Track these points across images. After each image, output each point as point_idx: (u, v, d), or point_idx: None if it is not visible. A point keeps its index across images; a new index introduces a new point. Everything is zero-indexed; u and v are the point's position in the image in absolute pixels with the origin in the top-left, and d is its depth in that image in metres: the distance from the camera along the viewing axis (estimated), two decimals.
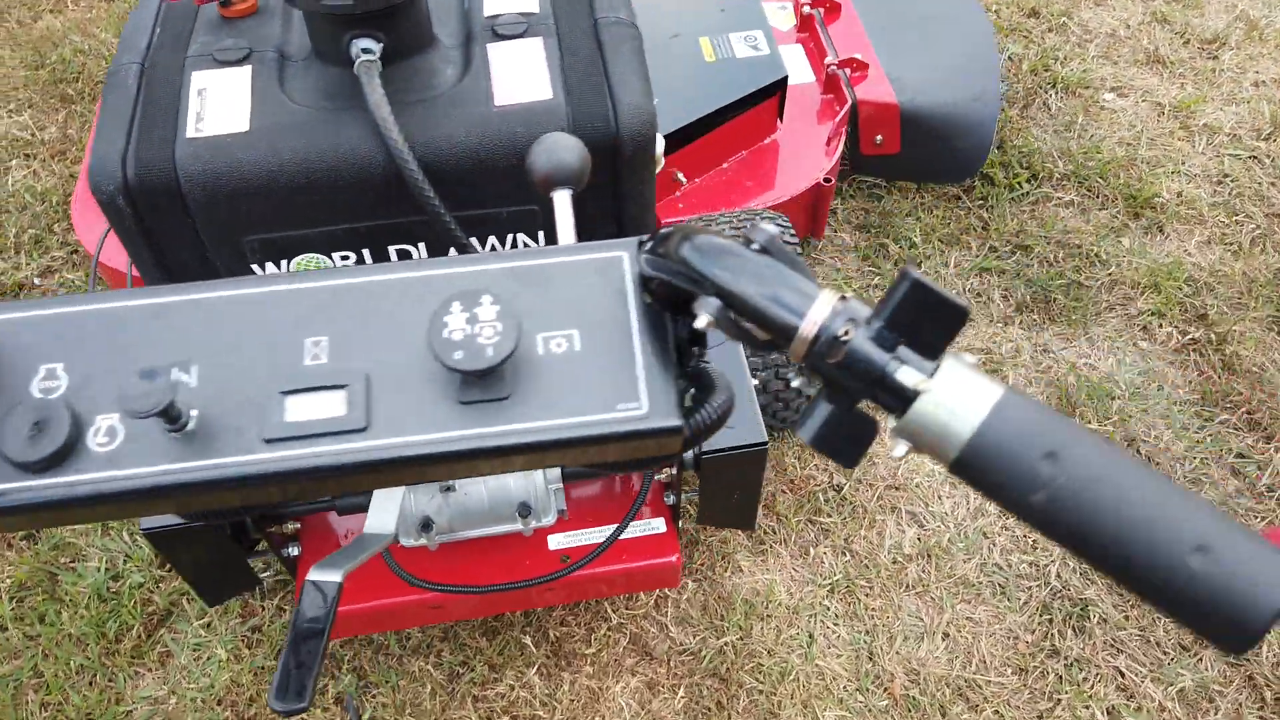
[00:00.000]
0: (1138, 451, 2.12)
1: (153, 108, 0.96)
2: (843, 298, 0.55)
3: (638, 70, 1.00)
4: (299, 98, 0.96)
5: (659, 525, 1.60)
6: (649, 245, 0.65)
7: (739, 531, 2.03)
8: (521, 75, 0.98)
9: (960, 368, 0.51)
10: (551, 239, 1.04)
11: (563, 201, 0.76)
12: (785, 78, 2.31)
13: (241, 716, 1.82)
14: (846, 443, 0.55)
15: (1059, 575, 1.96)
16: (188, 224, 0.96)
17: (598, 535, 1.57)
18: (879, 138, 2.46)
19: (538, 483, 1.46)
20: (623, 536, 1.62)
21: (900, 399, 0.51)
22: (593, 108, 0.95)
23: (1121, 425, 2.16)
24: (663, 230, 0.64)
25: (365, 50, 0.93)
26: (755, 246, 0.58)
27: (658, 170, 1.52)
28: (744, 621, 1.91)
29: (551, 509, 1.51)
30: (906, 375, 0.51)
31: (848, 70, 2.44)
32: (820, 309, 0.54)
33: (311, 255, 1.01)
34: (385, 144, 0.90)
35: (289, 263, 1.01)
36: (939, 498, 2.08)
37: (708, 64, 2.31)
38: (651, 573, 1.60)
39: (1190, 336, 2.32)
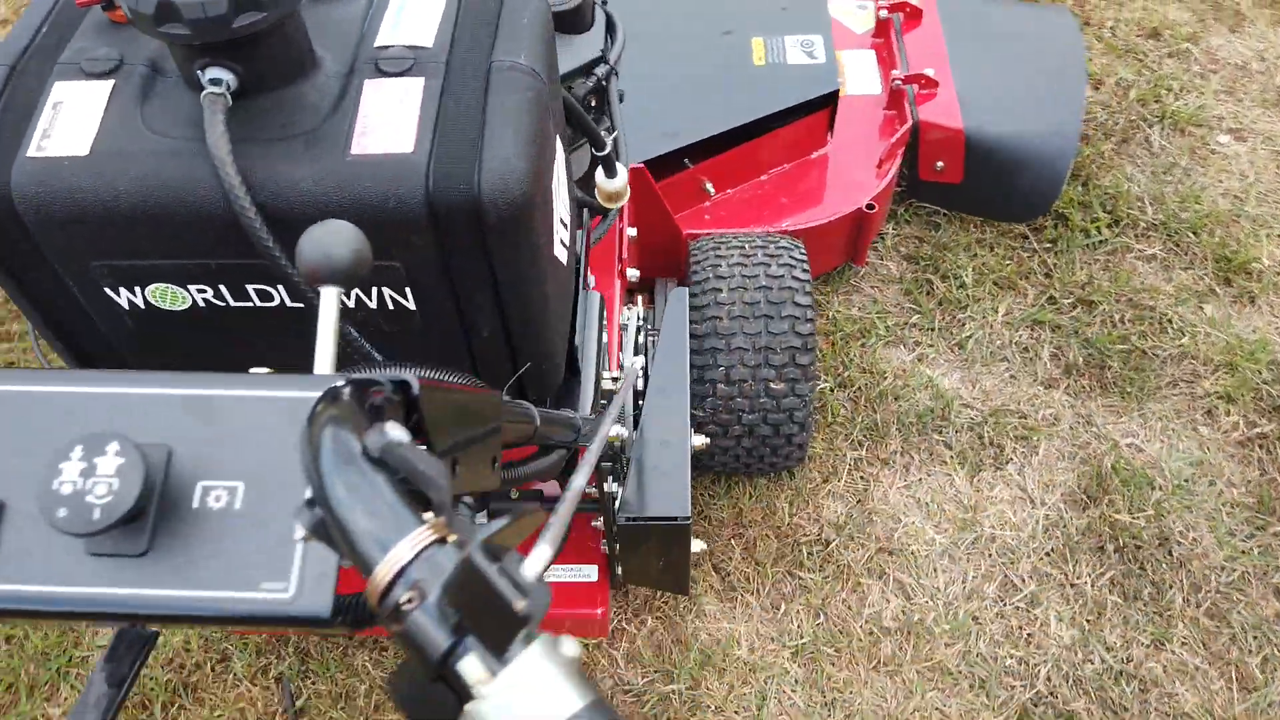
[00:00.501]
0: (1169, 554, 1.91)
1: (8, 118, 0.91)
2: (441, 540, 0.44)
3: (520, 126, 0.88)
4: (155, 123, 0.88)
5: (591, 573, 1.51)
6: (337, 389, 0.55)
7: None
8: (389, 120, 0.88)
9: (537, 669, 0.40)
10: (421, 295, 0.95)
11: (328, 301, 0.67)
12: (836, 92, 2.14)
13: None
14: (429, 709, 0.45)
15: (1048, 679, 1.78)
16: (33, 248, 0.91)
17: None
18: (940, 164, 2.26)
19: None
20: (554, 579, 1.55)
21: (458, 693, 0.41)
22: (455, 166, 0.85)
23: (1156, 520, 1.94)
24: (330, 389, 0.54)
25: (213, 81, 0.84)
26: (371, 453, 0.47)
27: (617, 205, 1.40)
28: (697, 670, 1.81)
29: None
30: (469, 667, 0.40)
31: (915, 86, 2.24)
32: (393, 558, 0.43)
33: (165, 285, 0.95)
34: (221, 186, 0.82)
35: (143, 290, 0.95)
36: (934, 570, 1.92)
37: (755, 68, 2.15)
38: (576, 621, 1.52)
39: (1259, 430, 2.06)
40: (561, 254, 1.06)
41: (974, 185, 2.27)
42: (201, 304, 0.96)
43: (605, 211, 1.42)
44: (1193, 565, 1.89)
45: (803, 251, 1.86)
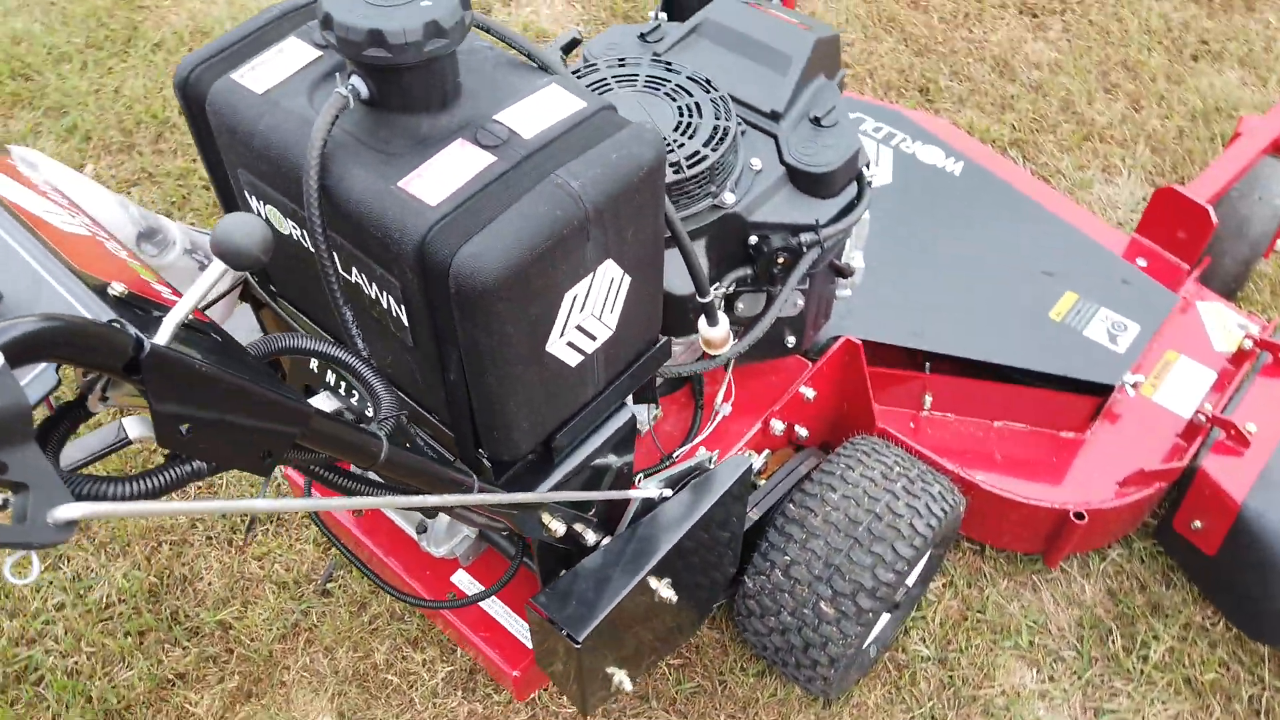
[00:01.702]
0: None
1: (247, 47, 1.17)
2: None
3: (525, 232, 0.97)
4: (313, 97, 1.10)
5: (525, 633, 1.56)
6: None
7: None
8: (443, 175, 1.01)
9: None
10: (412, 318, 1.07)
11: (212, 272, 0.82)
12: (1112, 387, 1.91)
13: None
14: None
15: None
16: (214, 142, 1.18)
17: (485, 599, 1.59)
18: (1197, 523, 1.92)
19: (443, 519, 1.52)
20: (504, 622, 1.62)
21: None
22: (451, 235, 0.95)
23: None
24: None
25: (351, 88, 1.03)
26: None
27: (717, 353, 1.42)
28: None
29: (445, 547, 1.56)
30: None
31: (1222, 432, 1.93)
32: None
33: (275, 210, 1.17)
34: (305, 147, 1.01)
35: (264, 206, 1.18)
36: None
37: (1048, 318, 2.00)
38: (492, 665, 1.58)
39: None
40: (564, 354, 1.13)
41: (1225, 568, 1.91)
42: (292, 236, 1.17)
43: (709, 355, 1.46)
44: None
45: (955, 506, 1.71)
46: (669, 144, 1.45)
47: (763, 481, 1.84)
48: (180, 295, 0.92)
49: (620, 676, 1.47)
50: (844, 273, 1.73)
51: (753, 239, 1.52)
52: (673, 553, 1.38)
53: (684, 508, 1.43)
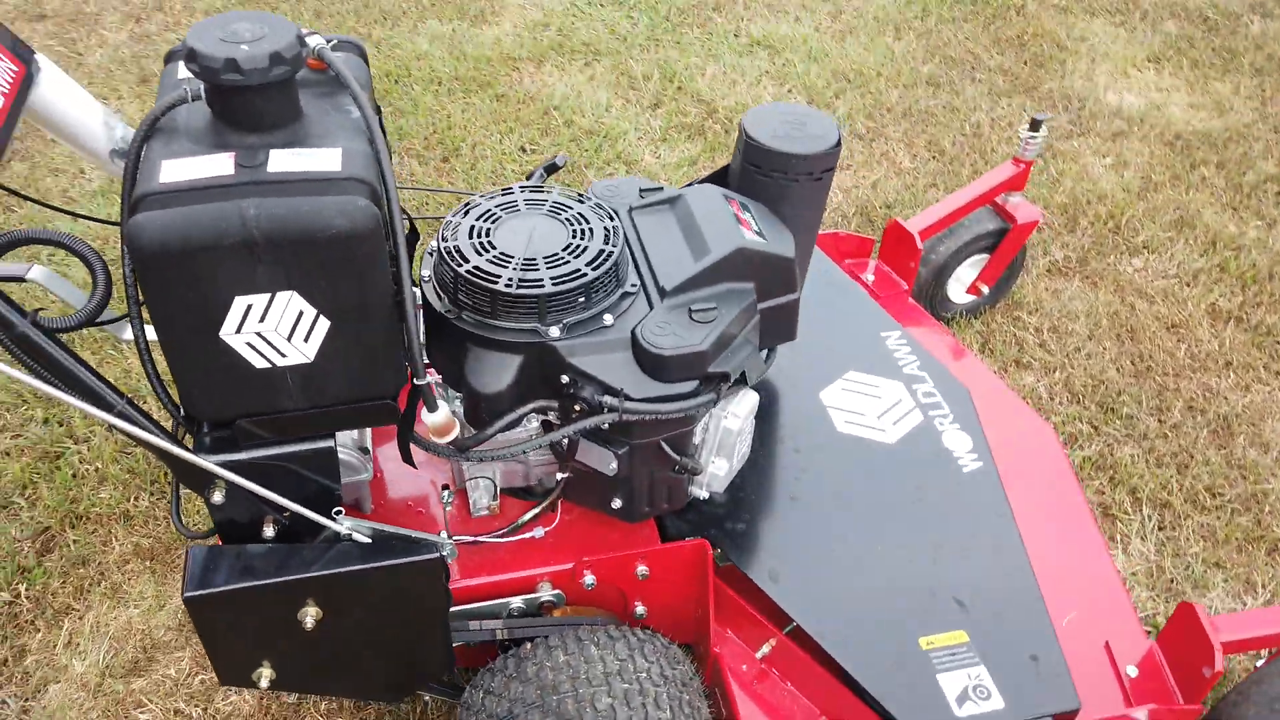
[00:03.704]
0: None
1: None
2: None
3: (184, 221, 1.21)
4: None
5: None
6: None
7: None
8: (191, 169, 1.27)
9: None
10: None
11: None
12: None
13: None
14: None
15: None
16: None
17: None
18: None
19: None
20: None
21: None
22: (146, 207, 1.22)
23: None
24: None
25: (194, 89, 1.35)
26: None
27: (442, 440, 1.52)
28: None
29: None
30: None
31: None
32: None
33: None
34: None
35: None
36: None
37: (915, 641, 1.78)
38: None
39: None
40: (246, 353, 1.34)
41: None
42: None
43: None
44: None
45: None
46: (570, 251, 1.61)
47: (555, 615, 1.85)
48: None
49: (264, 673, 1.60)
50: (683, 466, 1.72)
51: (564, 378, 1.60)
52: (326, 583, 1.51)
53: (360, 555, 1.54)
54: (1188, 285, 3.23)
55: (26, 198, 1.69)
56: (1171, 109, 4.14)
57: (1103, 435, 2.71)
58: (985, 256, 2.91)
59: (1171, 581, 2.35)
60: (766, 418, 2.14)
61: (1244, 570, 2.38)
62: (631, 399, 1.58)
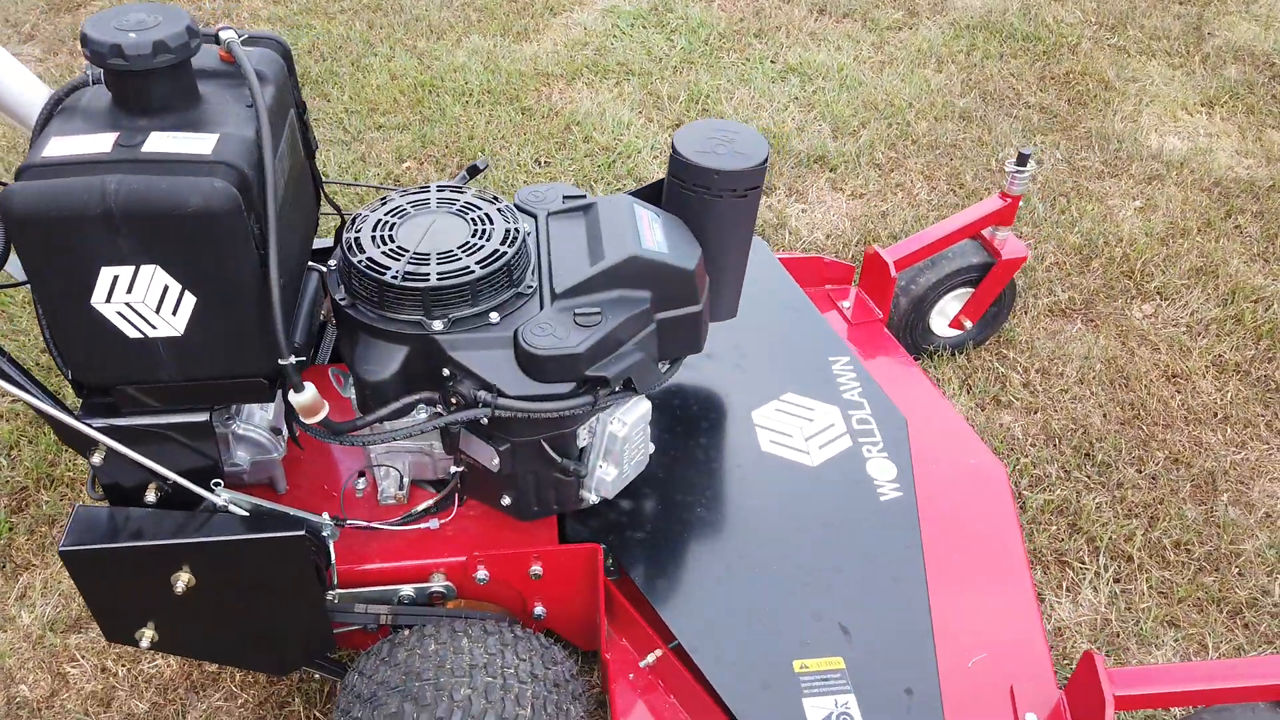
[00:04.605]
0: None
1: None
2: None
3: (50, 193, 1.30)
4: None
5: None
6: None
7: None
8: (74, 146, 1.36)
9: None
10: None
11: None
12: None
13: None
14: None
15: None
16: None
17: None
18: None
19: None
20: None
21: None
22: (23, 177, 1.31)
23: None
24: None
25: (94, 74, 1.45)
26: None
27: (309, 420, 1.57)
28: None
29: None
30: None
31: None
32: None
33: None
34: None
35: None
36: None
37: (788, 664, 1.75)
38: None
39: None
40: (118, 322, 1.43)
41: None
42: None
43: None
44: None
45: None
46: (465, 249, 1.66)
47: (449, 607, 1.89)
48: None
49: (146, 634, 1.68)
50: (563, 469, 1.74)
51: (445, 371, 1.64)
52: (195, 550, 1.58)
53: (232, 526, 1.61)
54: (1197, 335, 3.09)
55: None
56: (1217, 154, 3.97)
57: (1072, 481, 2.61)
58: (970, 291, 2.85)
59: (1116, 635, 2.25)
60: (691, 431, 2.14)
61: (1198, 631, 2.26)
62: (505, 395, 1.61)
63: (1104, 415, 2.81)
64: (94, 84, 1.48)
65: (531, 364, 1.62)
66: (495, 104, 4.11)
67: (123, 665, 2.15)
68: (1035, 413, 2.81)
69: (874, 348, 2.63)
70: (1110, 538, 2.45)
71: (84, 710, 2.08)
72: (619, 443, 1.78)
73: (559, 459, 1.73)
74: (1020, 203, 2.74)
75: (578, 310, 1.67)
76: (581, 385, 1.65)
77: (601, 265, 1.71)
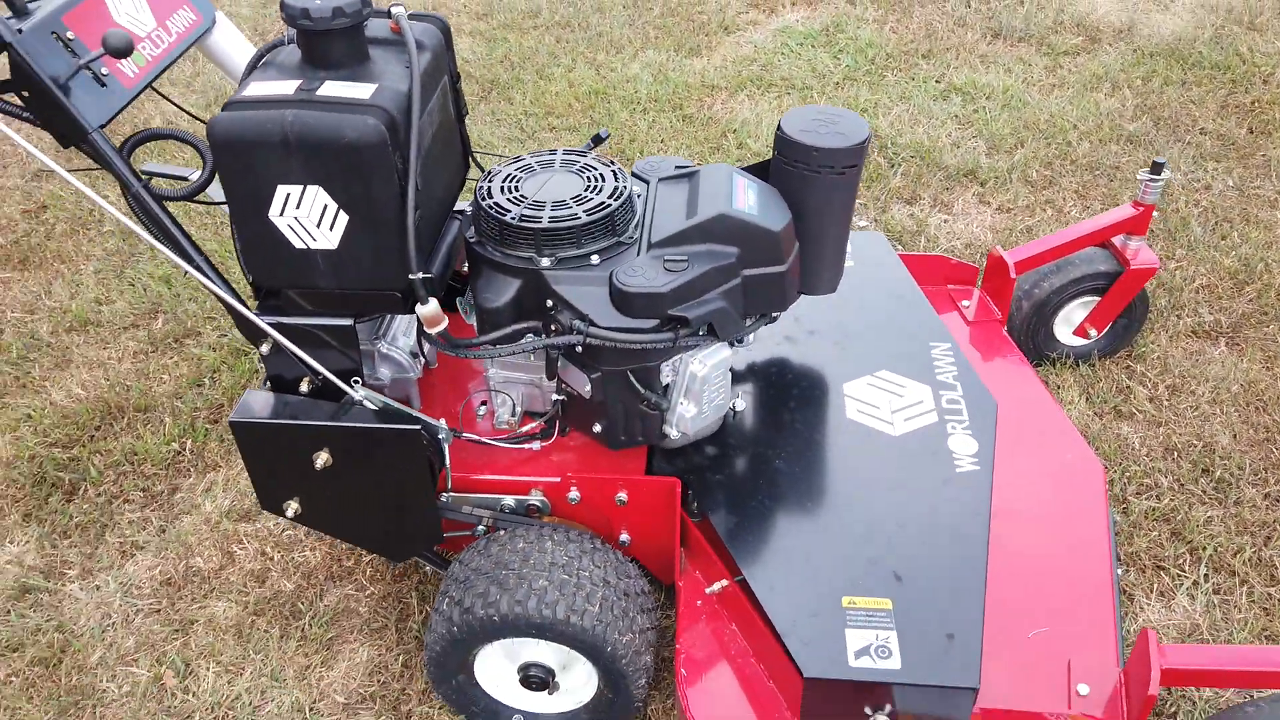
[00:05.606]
0: None
1: None
2: None
3: (242, 121, 1.64)
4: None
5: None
6: None
7: None
8: (268, 89, 1.69)
9: None
10: None
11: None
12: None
13: None
14: None
15: None
16: None
17: None
18: None
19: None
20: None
21: None
22: (229, 110, 1.66)
23: None
24: None
25: (290, 35, 1.79)
26: None
27: (432, 330, 1.84)
28: None
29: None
30: None
31: None
32: None
33: None
34: None
35: None
36: None
37: (836, 600, 1.87)
38: None
39: None
40: (287, 233, 1.76)
41: None
42: None
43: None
44: None
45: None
46: (576, 200, 1.91)
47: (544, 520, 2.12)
48: None
49: (292, 505, 2.01)
50: (647, 400, 1.94)
51: (549, 302, 1.89)
52: (331, 432, 1.88)
53: (363, 416, 1.91)
54: None
55: (170, 100, 2.25)
56: None
57: (1184, 493, 2.56)
58: (1096, 299, 2.85)
59: (1204, 641, 2.21)
60: (783, 397, 2.29)
61: None
62: (597, 325, 1.83)
63: (1233, 435, 2.72)
64: (289, 43, 1.84)
65: (622, 300, 1.84)
66: (660, 111, 4.40)
67: (279, 551, 2.52)
68: (1158, 426, 2.77)
69: (989, 347, 2.68)
70: (1216, 549, 2.39)
71: (243, 584, 2.46)
72: (699, 382, 1.96)
73: (643, 390, 1.93)
74: (1154, 213, 2.72)
75: (668, 257, 1.87)
76: (665, 323, 1.85)
77: (693, 220, 1.91)
